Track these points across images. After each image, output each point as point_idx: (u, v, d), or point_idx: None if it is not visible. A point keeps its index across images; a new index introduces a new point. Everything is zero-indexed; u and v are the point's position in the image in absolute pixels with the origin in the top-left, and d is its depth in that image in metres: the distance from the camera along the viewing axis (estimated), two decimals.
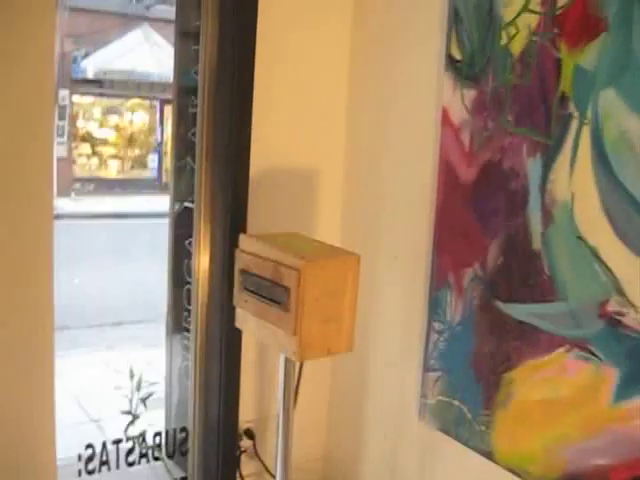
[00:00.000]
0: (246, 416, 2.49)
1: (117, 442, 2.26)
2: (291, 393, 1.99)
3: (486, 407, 1.94)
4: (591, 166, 1.64)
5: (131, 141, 14.99)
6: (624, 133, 1.57)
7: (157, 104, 14.75)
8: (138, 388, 2.02)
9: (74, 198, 13.03)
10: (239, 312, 2.02)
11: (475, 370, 1.97)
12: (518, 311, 1.84)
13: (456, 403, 2.05)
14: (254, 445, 2.54)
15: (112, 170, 14.71)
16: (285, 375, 1.97)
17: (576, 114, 1.67)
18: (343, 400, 2.67)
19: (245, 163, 2.27)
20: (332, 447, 2.75)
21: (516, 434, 1.87)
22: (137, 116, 14.95)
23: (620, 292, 1.59)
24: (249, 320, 1.96)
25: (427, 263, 2.15)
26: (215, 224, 2.30)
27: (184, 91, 2.53)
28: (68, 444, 2.27)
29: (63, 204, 12.25)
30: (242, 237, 1.99)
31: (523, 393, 1.84)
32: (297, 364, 2.01)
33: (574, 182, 1.68)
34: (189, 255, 2.46)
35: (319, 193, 2.53)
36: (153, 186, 14.24)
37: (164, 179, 14.36)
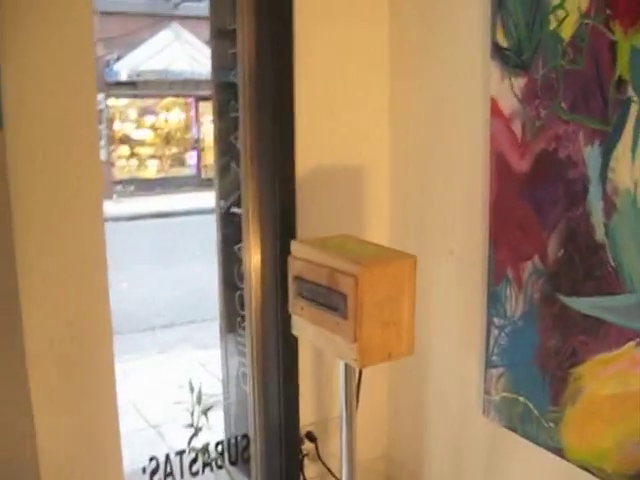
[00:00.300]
0: (306, 419, 2.48)
1: (180, 453, 2.27)
2: (353, 397, 1.96)
3: (554, 403, 1.89)
4: None
5: (168, 140, 15.10)
6: None
7: (192, 101, 14.83)
8: (199, 401, 2.01)
9: (116, 200, 13.19)
10: (295, 319, 2.00)
11: (539, 366, 1.92)
12: (583, 304, 1.78)
13: (521, 399, 2.00)
14: (316, 448, 2.52)
15: (151, 170, 14.85)
16: (346, 380, 1.94)
17: (635, 98, 1.60)
18: (403, 399, 2.64)
19: (291, 165, 2.24)
20: (394, 446, 2.72)
21: (587, 430, 1.82)
22: (172, 114, 15.04)
23: None
24: (306, 327, 1.94)
25: (484, 257, 2.10)
26: (264, 229, 2.28)
27: (222, 88, 2.50)
28: (131, 453, 2.30)
29: (105, 207, 12.43)
30: (294, 243, 1.96)
31: (593, 388, 1.78)
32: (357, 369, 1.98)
33: (637, 169, 1.61)
34: (239, 260, 2.45)
35: (366, 191, 2.49)
36: (193, 183, 14.36)
37: (203, 175, 14.49)
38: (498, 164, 1.99)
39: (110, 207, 12.51)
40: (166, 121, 15.05)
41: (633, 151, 1.61)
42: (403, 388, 2.63)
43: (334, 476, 2.54)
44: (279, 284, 2.20)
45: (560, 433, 1.89)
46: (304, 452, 2.49)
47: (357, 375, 2.02)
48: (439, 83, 2.25)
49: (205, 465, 2.33)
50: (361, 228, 2.44)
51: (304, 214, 2.28)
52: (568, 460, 1.87)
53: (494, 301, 2.06)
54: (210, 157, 12.45)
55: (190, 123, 15.14)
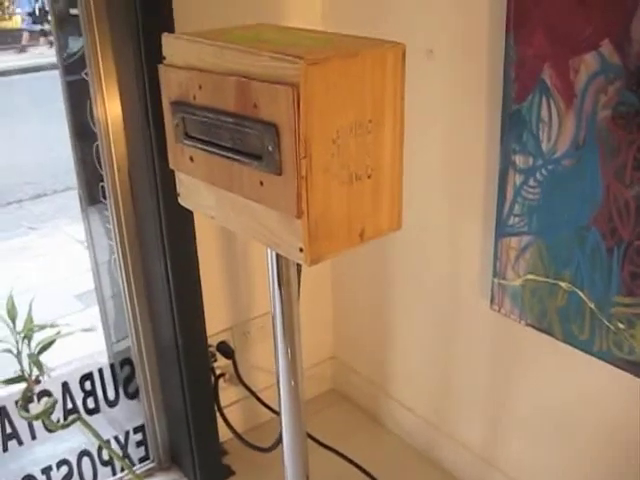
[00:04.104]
0: (215, 327, 1.67)
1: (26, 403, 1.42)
2: (292, 291, 1.15)
3: (629, 291, 1.13)
4: None
5: None
6: None
7: None
8: (27, 336, 1.16)
9: None
10: (182, 179, 1.12)
11: (604, 231, 1.14)
12: None
13: (564, 285, 1.23)
14: (234, 365, 1.73)
15: None
16: (279, 276, 1.12)
17: None
18: (355, 284, 1.85)
19: None
20: (342, 348, 1.97)
21: None
22: None
23: None
24: (201, 193, 1.07)
25: (495, 52, 1.25)
26: (116, 26, 1.33)
27: None
28: None
29: None
30: (167, 38, 1.05)
31: None
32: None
33: None
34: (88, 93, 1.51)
35: None
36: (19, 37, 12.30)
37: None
38: None
39: None
40: None
41: None
42: (355, 265, 1.83)
43: (261, 401, 1.78)
44: (151, 120, 1.30)
45: (636, 339, 1.14)
46: (217, 372, 1.70)
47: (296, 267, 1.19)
48: None
49: (69, 413, 1.50)
50: (276, 16, 1.54)
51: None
52: None
53: (516, 128, 1.24)
54: None
55: None
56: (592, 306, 1.20)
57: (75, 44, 1.76)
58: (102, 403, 1.60)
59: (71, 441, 1.67)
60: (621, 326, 1.16)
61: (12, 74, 9.44)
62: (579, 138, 1.14)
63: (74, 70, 1.75)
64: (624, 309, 1.15)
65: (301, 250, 0.91)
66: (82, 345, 2.27)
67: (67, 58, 1.80)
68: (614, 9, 1.04)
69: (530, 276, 1.30)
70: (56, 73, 1.85)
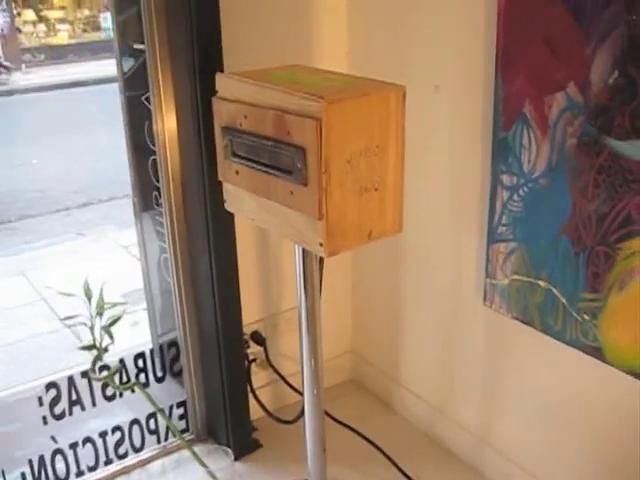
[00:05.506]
0: (250, 317, 1.94)
1: (87, 374, 1.70)
2: (314, 288, 1.41)
3: (592, 289, 1.37)
4: None
5: (79, 1, 13.61)
6: None
7: None
8: (100, 312, 1.42)
9: (25, 71, 11.98)
10: (228, 189, 1.40)
11: (572, 239, 1.39)
12: None
13: (542, 284, 1.48)
14: (265, 351, 2.00)
15: (62, 35, 13.43)
16: (304, 269, 1.38)
17: None
18: (371, 284, 2.10)
19: None
20: (360, 341, 2.22)
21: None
22: None
23: None
24: (244, 200, 1.34)
25: (487, 89, 1.51)
26: (176, 64, 1.62)
27: None
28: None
29: (13, 78, 11.24)
30: (221, 78, 1.33)
31: None
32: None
33: None
34: (149, 114, 1.80)
35: (314, 11, 1.83)
36: (110, 48, 13.04)
37: None
38: None
39: (18, 78, 11.34)
40: None
41: None
42: (371, 270, 2.09)
43: (287, 383, 2.04)
44: (203, 140, 1.58)
45: (599, 328, 1.38)
46: (250, 357, 1.97)
47: (319, 261, 1.45)
48: None
49: (122, 385, 1.78)
50: (310, 59, 1.81)
51: (231, 40, 1.61)
52: (607, 362, 1.38)
53: (503, 152, 1.49)
54: None
55: None
56: (564, 301, 1.44)
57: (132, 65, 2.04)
58: (151, 379, 1.88)
59: (120, 416, 1.94)
60: (587, 317, 1.40)
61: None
62: (552, 161, 1.39)
63: (133, 87, 2.02)
64: (589, 303, 1.39)
65: (321, 245, 1.17)
66: (129, 339, 2.55)
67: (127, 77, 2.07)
68: (577, 58, 1.29)
69: (515, 276, 1.55)
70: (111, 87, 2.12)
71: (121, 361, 1.78)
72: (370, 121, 1.15)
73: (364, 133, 1.15)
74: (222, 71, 1.51)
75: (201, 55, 1.52)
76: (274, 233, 1.82)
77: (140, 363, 1.84)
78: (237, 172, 1.31)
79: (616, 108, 1.25)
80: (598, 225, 1.33)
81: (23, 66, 12.21)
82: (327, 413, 1.78)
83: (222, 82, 1.32)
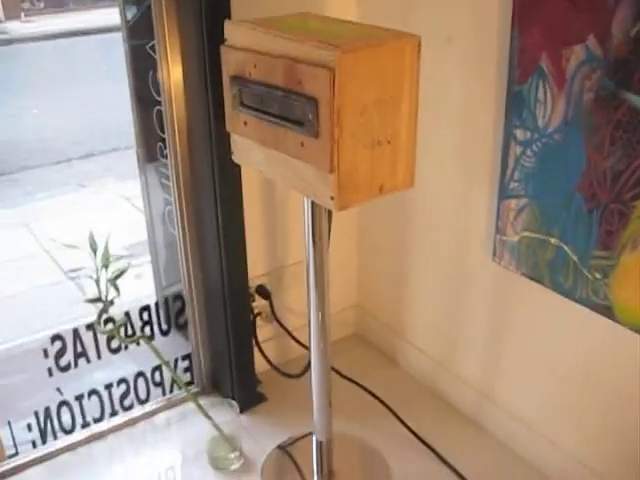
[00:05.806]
0: (255, 271, 1.92)
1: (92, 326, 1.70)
2: (323, 239, 1.40)
3: (604, 247, 1.35)
4: None
5: None
6: None
7: None
8: (106, 264, 1.41)
9: (24, 19, 11.76)
10: (236, 140, 1.37)
11: (586, 196, 1.36)
12: None
13: (553, 241, 1.46)
14: (270, 305, 1.99)
15: None
16: (313, 222, 1.37)
17: None
18: (377, 238, 2.09)
19: None
20: (366, 296, 2.21)
21: None
22: None
23: None
24: (253, 151, 1.32)
25: (502, 41, 1.46)
26: (183, 11, 1.57)
27: None
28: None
29: (12, 27, 11.04)
30: (229, 25, 1.29)
31: None
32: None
33: None
34: (153, 63, 1.75)
35: None
36: None
37: None
38: None
39: (18, 27, 11.14)
40: None
41: None
42: (377, 223, 2.07)
43: (293, 337, 2.04)
44: (210, 90, 1.54)
45: (610, 286, 1.37)
46: (256, 311, 1.96)
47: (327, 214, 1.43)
48: None
49: (128, 337, 1.78)
50: (319, 6, 1.76)
51: None
52: (618, 322, 1.37)
53: (517, 106, 1.46)
54: None
55: None
56: (575, 259, 1.42)
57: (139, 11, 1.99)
58: (157, 332, 1.88)
59: (125, 368, 1.94)
60: (598, 276, 1.39)
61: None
62: (568, 117, 1.36)
63: (137, 35, 1.97)
64: (600, 261, 1.37)
65: (332, 198, 1.15)
66: (132, 290, 2.55)
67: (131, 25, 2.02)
68: (598, 10, 1.25)
69: (525, 233, 1.53)
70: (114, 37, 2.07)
71: (127, 314, 1.77)
72: (384, 72, 1.12)
73: (378, 84, 1.11)
74: (229, 18, 1.46)
75: (208, 1, 1.47)
76: (282, 185, 1.80)
77: (145, 316, 1.84)
78: (245, 123, 1.28)
79: (636, 62, 1.21)
80: (613, 182, 1.30)
81: (22, 14, 11.98)
82: (333, 368, 1.78)
83: (231, 30, 1.28)
